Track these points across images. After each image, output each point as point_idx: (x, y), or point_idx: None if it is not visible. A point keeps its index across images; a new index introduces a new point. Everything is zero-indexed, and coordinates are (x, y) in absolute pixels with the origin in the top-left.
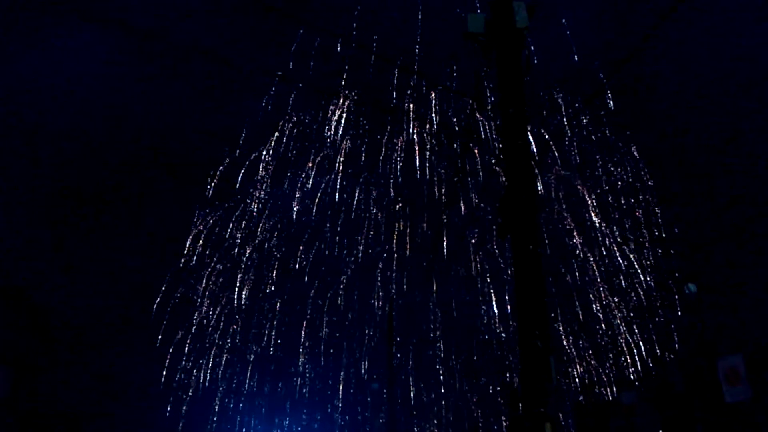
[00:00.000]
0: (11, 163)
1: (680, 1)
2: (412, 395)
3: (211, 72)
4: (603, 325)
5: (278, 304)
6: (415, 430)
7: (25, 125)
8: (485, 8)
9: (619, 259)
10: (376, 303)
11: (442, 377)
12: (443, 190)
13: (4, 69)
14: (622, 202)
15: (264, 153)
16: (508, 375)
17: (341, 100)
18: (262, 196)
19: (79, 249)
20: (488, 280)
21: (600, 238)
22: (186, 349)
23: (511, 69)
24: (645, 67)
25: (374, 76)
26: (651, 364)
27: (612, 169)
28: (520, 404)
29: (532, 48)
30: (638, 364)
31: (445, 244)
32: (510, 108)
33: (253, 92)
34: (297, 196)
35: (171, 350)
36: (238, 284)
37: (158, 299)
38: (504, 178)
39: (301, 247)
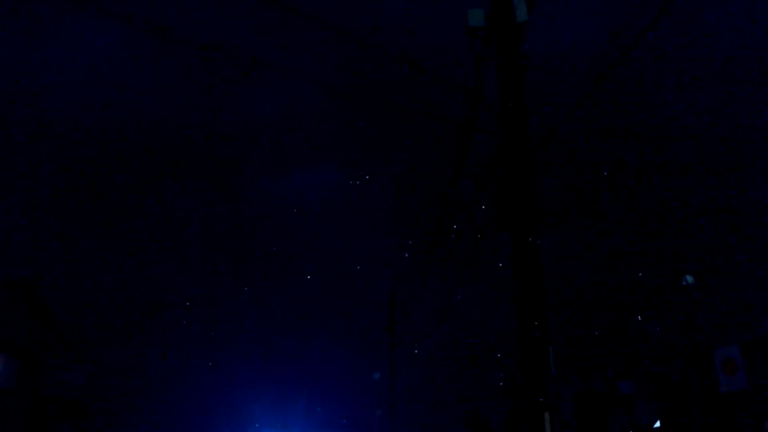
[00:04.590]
0: (19, 157)
1: None
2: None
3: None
4: (601, 317)
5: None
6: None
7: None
8: (487, 4)
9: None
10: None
11: (442, 367)
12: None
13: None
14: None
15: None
16: (508, 365)
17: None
18: (265, 190)
19: (85, 241)
20: (488, 272)
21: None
22: (190, 340)
23: (511, 63)
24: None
25: (374, 68)
26: (649, 354)
27: (612, 160)
28: (520, 394)
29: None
30: (637, 354)
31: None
32: (510, 101)
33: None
34: (300, 189)
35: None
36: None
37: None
38: (503, 170)
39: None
